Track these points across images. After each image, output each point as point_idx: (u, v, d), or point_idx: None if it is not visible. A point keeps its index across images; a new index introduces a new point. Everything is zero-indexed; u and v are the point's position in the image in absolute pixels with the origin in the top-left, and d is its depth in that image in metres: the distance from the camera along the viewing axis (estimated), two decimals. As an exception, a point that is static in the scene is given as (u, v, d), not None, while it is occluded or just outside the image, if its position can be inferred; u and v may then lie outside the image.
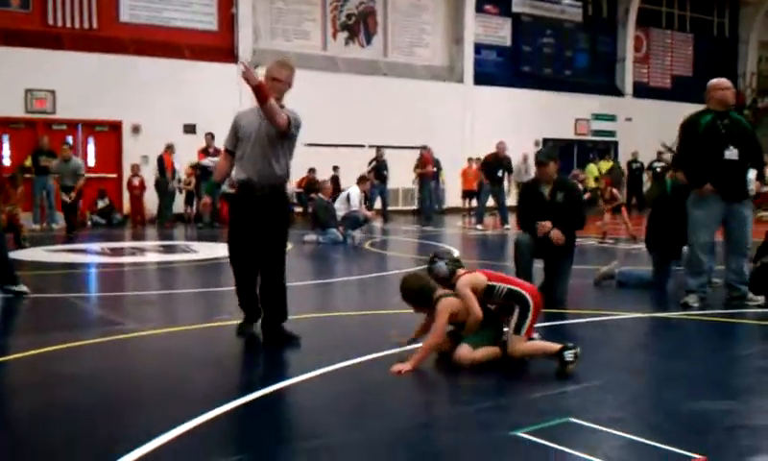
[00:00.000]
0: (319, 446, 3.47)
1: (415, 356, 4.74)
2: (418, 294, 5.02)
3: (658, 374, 4.94)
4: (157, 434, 3.48)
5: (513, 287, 4.93)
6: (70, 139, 18.64)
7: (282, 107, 5.54)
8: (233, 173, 5.80)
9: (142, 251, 13.07)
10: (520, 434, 3.52)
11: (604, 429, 3.59)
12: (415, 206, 21.29)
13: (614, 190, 14.31)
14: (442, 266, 5.08)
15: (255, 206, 5.54)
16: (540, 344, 4.87)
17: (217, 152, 17.62)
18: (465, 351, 4.81)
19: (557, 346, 4.62)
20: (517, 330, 4.77)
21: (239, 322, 5.89)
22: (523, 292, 4.89)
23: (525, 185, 7.57)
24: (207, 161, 17.52)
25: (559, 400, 4.13)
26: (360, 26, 22.88)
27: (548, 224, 7.04)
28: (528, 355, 4.81)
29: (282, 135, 5.51)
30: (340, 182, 18.76)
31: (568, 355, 4.54)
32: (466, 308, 4.87)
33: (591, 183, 23.80)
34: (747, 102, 29.63)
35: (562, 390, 4.30)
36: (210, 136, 17.77)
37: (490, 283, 4.93)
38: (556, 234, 7.03)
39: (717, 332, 6.32)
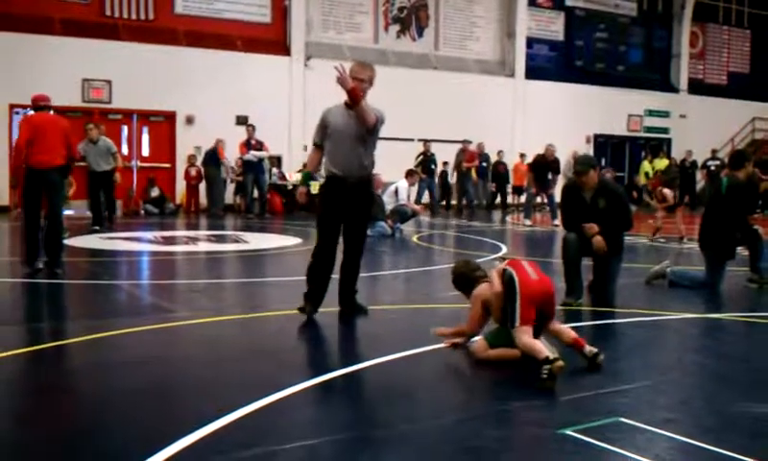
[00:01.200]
0: (365, 437, 3.50)
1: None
2: (459, 278, 5.25)
3: (710, 375, 4.87)
4: (210, 420, 3.55)
5: (514, 273, 4.71)
6: (125, 129, 19.04)
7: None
8: (322, 165, 6.23)
9: (194, 240, 13.26)
10: (569, 432, 3.50)
11: (655, 430, 3.56)
12: (464, 200, 21.23)
13: (665, 190, 14.03)
14: (497, 262, 5.14)
15: (346, 196, 6.05)
16: (537, 346, 4.43)
17: (258, 144, 17.76)
18: (479, 347, 4.85)
19: (544, 354, 4.26)
20: (512, 322, 4.56)
21: (299, 306, 6.11)
22: (515, 277, 4.66)
23: (567, 187, 7.35)
24: (250, 156, 17.68)
25: (608, 399, 4.09)
26: (412, 19, 22.87)
27: (595, 227, 6.91)
28: (527, 352, 4.47)
29: (371, 132, 6.01)
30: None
31: (544, 371, 4.17)
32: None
33: (643, 181, 23.48)
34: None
35: (612, 390, 4.26)
36: (252, 128, 17.89)
37: (505, 267, 4.84)
38: (597, 242, 6.88)
39: (772, 335, 6.20)
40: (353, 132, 6.00)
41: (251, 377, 4.53)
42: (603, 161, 25.12)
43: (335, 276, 6.27)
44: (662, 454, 3.29)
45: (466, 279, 5.18)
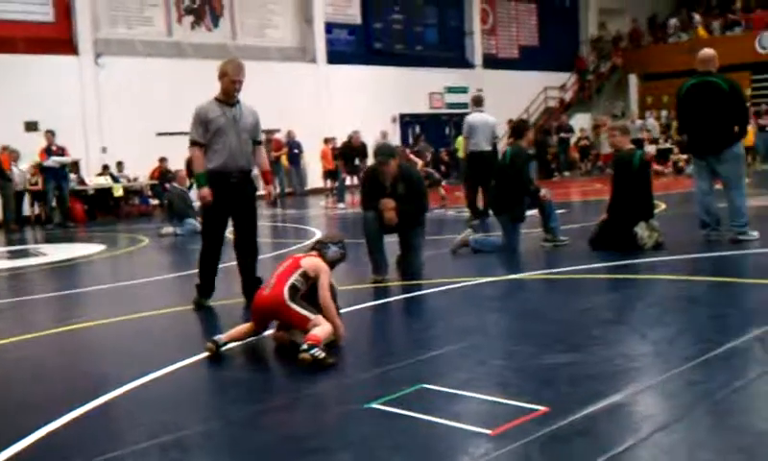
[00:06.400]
0: (172, 441, 3.39)
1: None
2: None
3: (510, 334, 5.12)
4: (11, 443, 3.36)
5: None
6: None
7: (238, 102, 6.51)
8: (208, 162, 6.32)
9: (-12, 258, 12.35)
10: (375, 406, 3.57)
11: (455, 392, 3.70)
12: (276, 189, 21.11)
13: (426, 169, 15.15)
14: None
15: (232, 190, 6.32)
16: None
17: (60, 149, 16.79)
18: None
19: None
20: None
21: (194, 298, 6.46)
22: None
23: (369, 171, 7.55)
24: (51, 162, 16.67)
25: (412, 368, 4.21)
26: (205, 9, 22.30)
27: (391, 202, 7.07)
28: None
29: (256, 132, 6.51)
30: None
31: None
32: None
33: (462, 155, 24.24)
34: (590, 67, 31.00)
35: (415, 359, 4.39)
36: (51, 134, 16.88)
37: None
38: (388, 215, 7.05)
39: (567, 289, 6.59)
40: (242, 130, 6.33)
41: (53, 394, 4.27)
42: (410, 137, 25.71)
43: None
44: (462, 413, 3.42)
45: None
